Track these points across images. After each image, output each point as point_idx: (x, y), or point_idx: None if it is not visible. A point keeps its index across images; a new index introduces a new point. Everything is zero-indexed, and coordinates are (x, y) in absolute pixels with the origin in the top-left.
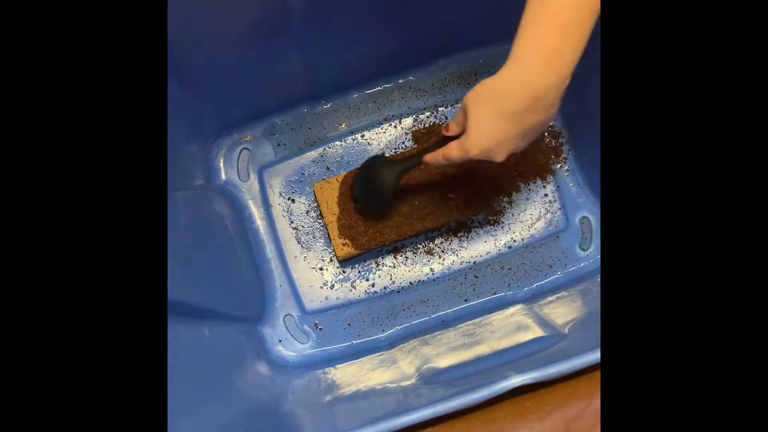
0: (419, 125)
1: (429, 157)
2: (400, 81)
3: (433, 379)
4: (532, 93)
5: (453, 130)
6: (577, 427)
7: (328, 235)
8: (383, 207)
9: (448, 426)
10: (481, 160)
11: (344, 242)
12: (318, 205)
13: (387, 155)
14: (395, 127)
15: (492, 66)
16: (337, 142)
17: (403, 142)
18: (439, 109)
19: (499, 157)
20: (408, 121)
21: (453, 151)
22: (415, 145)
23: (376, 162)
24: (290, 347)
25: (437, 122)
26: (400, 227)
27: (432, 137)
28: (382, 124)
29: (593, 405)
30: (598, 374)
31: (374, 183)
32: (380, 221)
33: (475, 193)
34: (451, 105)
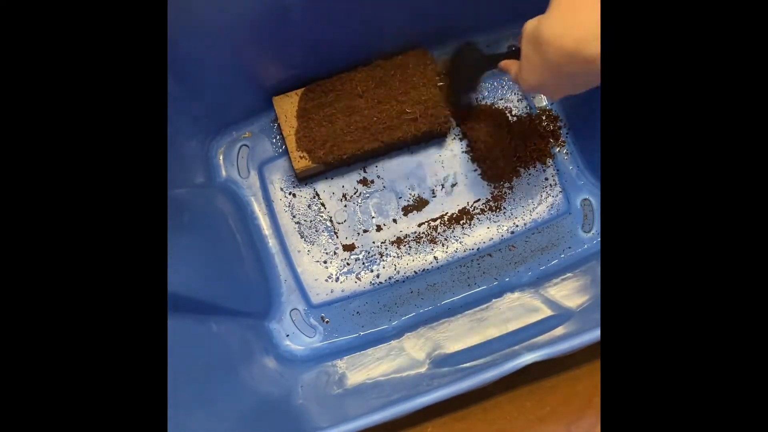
0: None
1: (502, 64)
2: None
3: (444, 364)
4: (572, 44)
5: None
6: (577, 427)
7: (287, 148)
8: (463, 101)
9: (448, 427)
10: None
11: (302, 155)
12: (277, 118)
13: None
14: None
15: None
16: None
17: None
18: None
19: (552, 98)
20: None
21: (512, 71)
22: None
23: (466, 50)
24: (298, 341)
25: None
26: (358, 142)
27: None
28: None
29: (593, 405)
30: (598, 374)
31: (460, 74)
32: (338, 136)
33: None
34: None
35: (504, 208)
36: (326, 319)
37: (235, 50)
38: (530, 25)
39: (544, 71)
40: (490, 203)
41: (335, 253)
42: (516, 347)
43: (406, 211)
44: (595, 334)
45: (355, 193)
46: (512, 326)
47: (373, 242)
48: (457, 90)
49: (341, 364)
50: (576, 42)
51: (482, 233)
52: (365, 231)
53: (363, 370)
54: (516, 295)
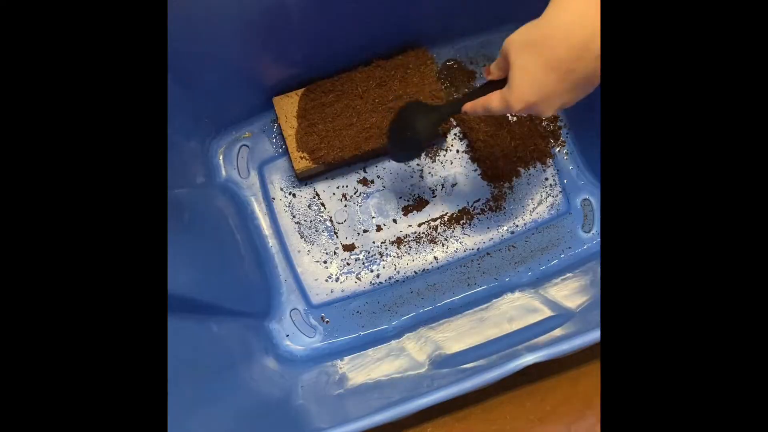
0: None
1: (468, 107)
2: None
3: (444, 365)
4: (582, 37)
5: (494, 73)
6: (577, 427)
7: (287, 148)
8: (413, 157)
9: (448, 427)
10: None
11: (302, 155)
12: (277, 118)
13: (424, 101)
14: None
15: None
16: None
17: None
18: None
19: (547, 112)
20: None
21: (494, 103)
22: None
23: (412, 109)
24: (298, 341)
25: None
26: (358, 142)
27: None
28: None
29: (593, 405)
30: (598, 374)
31: (408, 131)
32: (338, 136)
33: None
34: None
35: (504, 208)
36: (326, 319)
37: (235, 50)
38: (521, 33)
39: (546, 76)
40: (490, 203)
41: (335, 253)
42: (516, 348)
43: (406, 211)
44: (595, 335)
45: (355, 193)
46: (512, 326)
47: (373, 242)
48: (398, 148)
49: (341, 364)
50: (585, 38)
51: (482, 233)
52: (365, 231)
53: (363, 370)
54: (516, 295)
